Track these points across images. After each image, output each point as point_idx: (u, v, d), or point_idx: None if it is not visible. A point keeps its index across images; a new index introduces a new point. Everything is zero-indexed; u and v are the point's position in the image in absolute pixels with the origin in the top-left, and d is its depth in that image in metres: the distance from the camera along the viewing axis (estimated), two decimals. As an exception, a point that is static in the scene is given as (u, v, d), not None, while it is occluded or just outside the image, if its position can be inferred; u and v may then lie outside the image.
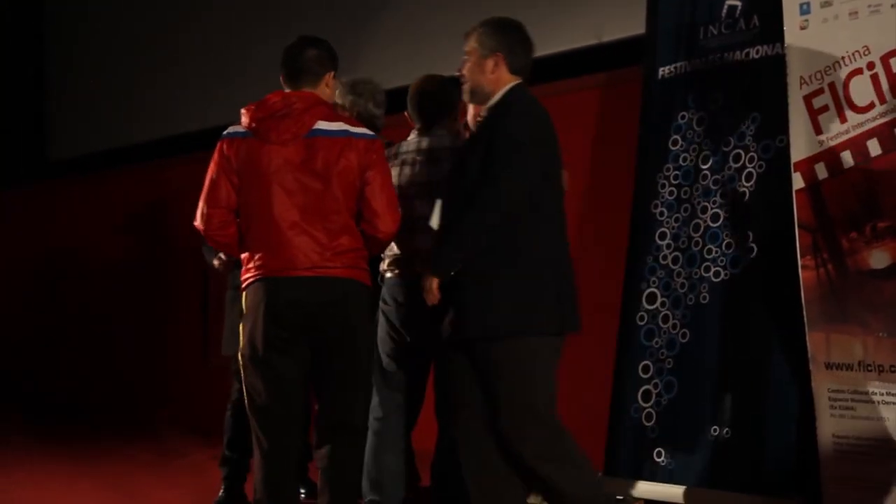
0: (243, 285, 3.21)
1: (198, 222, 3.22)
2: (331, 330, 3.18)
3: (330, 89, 3.32)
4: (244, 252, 3.20)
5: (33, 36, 8.88)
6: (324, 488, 3.27)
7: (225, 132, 3.22)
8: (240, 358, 3.26)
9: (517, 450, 3.13)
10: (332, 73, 3.31)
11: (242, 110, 3.21)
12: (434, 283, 3.15)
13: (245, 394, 3.27)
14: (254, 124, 3.14)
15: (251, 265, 3.17)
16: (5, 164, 8.88)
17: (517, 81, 3.26)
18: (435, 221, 3.35)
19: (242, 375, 3.26)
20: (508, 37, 3.26)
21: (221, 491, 4.30)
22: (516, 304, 3.09)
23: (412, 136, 3.76)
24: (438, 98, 3.73)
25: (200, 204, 3.21)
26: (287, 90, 3.25)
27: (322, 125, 3.13)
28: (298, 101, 3.15)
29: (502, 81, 3.23)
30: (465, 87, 3.32)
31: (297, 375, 3.21)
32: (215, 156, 3.19)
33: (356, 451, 3.36)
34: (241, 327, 3.25)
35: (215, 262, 4.19)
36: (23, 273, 8.85)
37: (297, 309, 3.12)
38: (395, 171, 3.61)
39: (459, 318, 3.15)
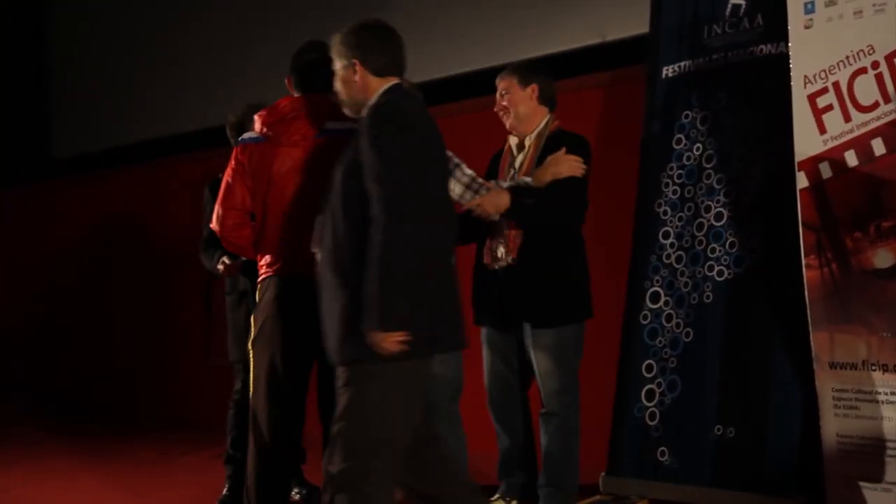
0: (259, 280, 3.28)
1: (214, 224, 3.32)
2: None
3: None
4: (260, 252, 3.28)
5: (35, 35, 8.87)
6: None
7: (240, 138, 3.32)
8: (250, 347, 3.32)
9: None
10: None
11: (255, 116, 3.31)
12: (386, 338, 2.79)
13: (252, 385, 3.30)
14: (265, 129, 3.24)
15: (265, 263, 3.23)
16: (7, 163, 8.88)
17: (390, 83, 3.07)
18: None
19: (251, 365, 3.31)
20: (362, 40, 3.10)
21: (226, 489, 4.31)
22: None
23: None
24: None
25: (216, 207, 3.30)
26: (297, 94, 3.32)
27: (331, 125, 3.23)
28: (307, 103, 3.26)
29: (371, 87, 3.07)
30: (342, 103, 3.16)
31: (303, 373, 3.26)
32: (231, 161, 3.28)
33: None
34: (253, 319, 3.31)
35: (220, 267, 4.18)
36: (24, 272, 8.85)
37: (307, 307, 3.12)
38: None
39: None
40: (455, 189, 3.68)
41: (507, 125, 3.96)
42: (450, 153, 3.63)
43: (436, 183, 2.96)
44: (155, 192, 7.63)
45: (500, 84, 3.97)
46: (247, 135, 3.30)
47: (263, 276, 3.25)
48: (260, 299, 3.27)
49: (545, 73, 4.01)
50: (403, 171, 2.83)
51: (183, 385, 7.15)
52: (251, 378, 3.32)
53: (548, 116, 3.97)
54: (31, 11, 8.85)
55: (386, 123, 2.90)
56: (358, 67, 3.05)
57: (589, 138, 4.30)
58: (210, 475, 5.12)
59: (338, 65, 3.10)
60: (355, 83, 3.05)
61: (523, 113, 3.92)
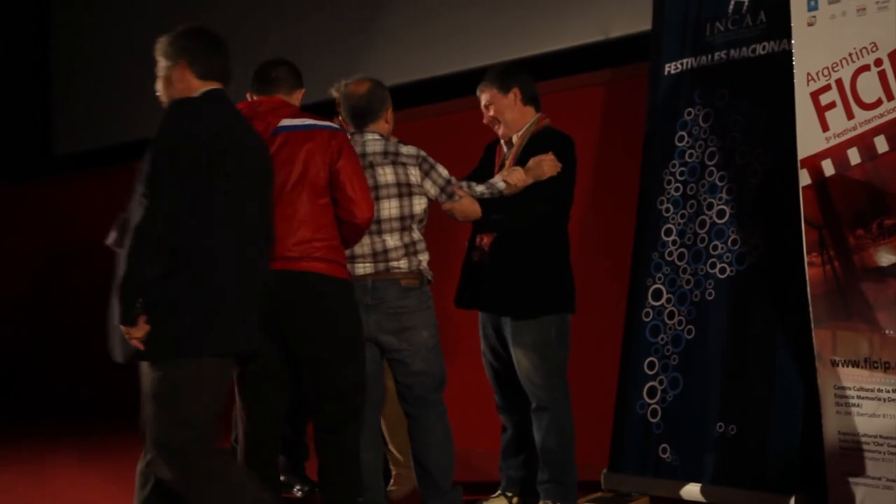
0: None
1: None
2: (297, 321, 3.25)
3: (295, 99, 3.55)
4: None
5: (38, 30, 8.87)
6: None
7: None
8: None
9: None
10: (302, 91, 3.60)
11: None
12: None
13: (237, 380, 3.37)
14: None
15: None
16: (10, 158, 8.89)
17: (210, 88, 3.10)
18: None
19: None
20: (191, 43, 3.13)
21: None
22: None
23: (364, 138, 3.72)
24: (367, 102, 3.70)
25: None
26: (254, 98, 3.48)
27: (286, 122, 3.33)
28: (263, 104, 3.39)
29: (192, 88, 3.09)
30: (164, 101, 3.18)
31: (277, 367, 3.32)
32: None
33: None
34: None
35: None
36: (27, 267, 8.86)
37: (270, 300, 3.15)
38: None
39: None
40: (430, 190, 3.68)
41: (500, 134, 3.95)
42: (423, 154, 3.70)
43: (214, 189, 2.91)
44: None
45: (482, 96, 3.95)
46: None
47: None
48: None
49: (522, 73, 3.98)
50: (164, 173, 2.85)
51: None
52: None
53: (535, 116, 3.94)
54: (35, 5, 8.86)
55: (166, 124, 2.96)
56: (185, 68, 3.11)
57: (591, 135, 4.31)
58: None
59: (160, 63, 3.15)
60: (178, 84, 3.12)
61: (511, 119, 3.91)
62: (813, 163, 3.65)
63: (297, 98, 3.56)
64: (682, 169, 4.26)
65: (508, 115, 3.90)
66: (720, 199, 4.11)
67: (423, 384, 3.66)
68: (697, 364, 4.06)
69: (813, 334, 3.62)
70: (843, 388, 3.55)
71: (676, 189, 4.26)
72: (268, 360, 3.25)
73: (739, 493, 3.81)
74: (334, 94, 4.18)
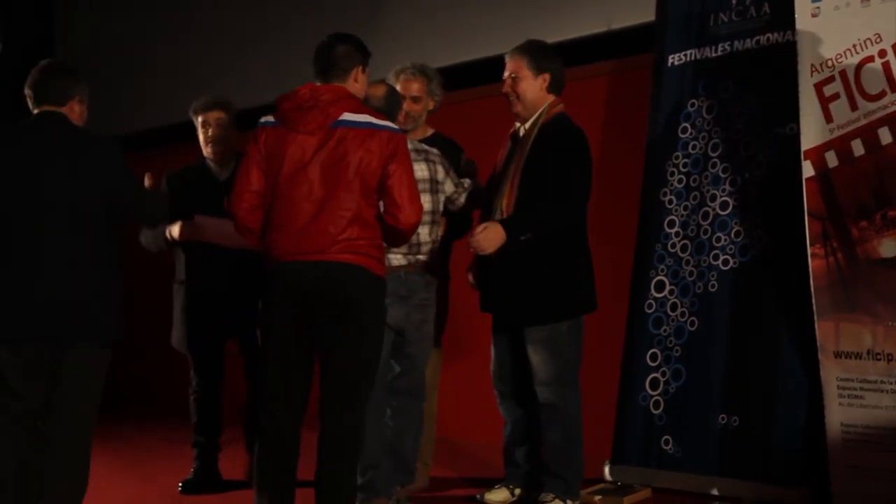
0: (268, 266, 3.31)
1: (229, 205, 3.32)
2: (333, 314, 3.23)
3: (359, 84, 3.39)
4: (266, 236, 3.30)
5: (42, 23, 8.87)
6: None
7: (259, 121, 3.34)
8: (258, 333, 3.47)
9: None
10: (361, 67, 3.38)
11: (277, 101, 3.32)
12: None
13: (260, 369, 3.38)
14: (283, 114, 3.27)
15: (271, 247, 3.27)
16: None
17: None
18: None
19: (261, 348, 3.38)
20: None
21: (192, 470, 4.39)
22: None
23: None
24: (387, 104, 3.70)
25: (235, 188, 3.32)
26: (318, 83, 3.34)
27: (347, 116, 3.23)
28: (326, 93, 3.26)
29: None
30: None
31: (307, 355, 3.29)
32: (250, 143, 3.32)
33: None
34: (261, 304, 3.38)
35: (172, 234, 4.28)
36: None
37: (307, 292, 3.20)
38: None
39: None
40: (448, 188, 3.86)
41: (513, 110, 3.83)
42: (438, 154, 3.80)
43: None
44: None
45: (511, 65, 3.81)
46: (265, 118, 3.32)
47: (270, 261, 3.28)
48: (268, 285, 3.31)
49: (558, 60, 3.86)
50: None
51: (188, 372, 7.15)
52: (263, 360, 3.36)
53: (548, 103, 3.82)
54: (32, 7, 8.85)
55: None
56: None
57: (594, 127, 4.27)
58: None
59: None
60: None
61: (531, 101, 3.80)
62: (816, 154, 3.64)
63: (355, 77, 3.37)
64: (686, 160, 4.25)
65: (530, 96, 3.79)
66: (723, 190, 4.10)
67: (420, 374, 3.81)
68: (700, 356, 4.05)
69: (816, 326, 3.62)
70: (846, 379, 3.55)
71: (679, 181, 4.26)
72: (310, 345, 3.27)
73: (742, 485, 3.82)
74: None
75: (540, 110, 3.81)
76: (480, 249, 3.64)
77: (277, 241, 3.23)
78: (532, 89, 3.79)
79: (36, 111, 3.27)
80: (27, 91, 3.32)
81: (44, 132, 3.21)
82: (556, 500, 3.76)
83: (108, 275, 3.21)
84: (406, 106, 3.94)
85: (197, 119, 4.34)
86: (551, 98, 3.84)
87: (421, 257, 3.74)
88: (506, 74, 3.83)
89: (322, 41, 3.37)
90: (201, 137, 4.34)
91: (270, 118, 3.30)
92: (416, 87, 4.05)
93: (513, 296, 3.76)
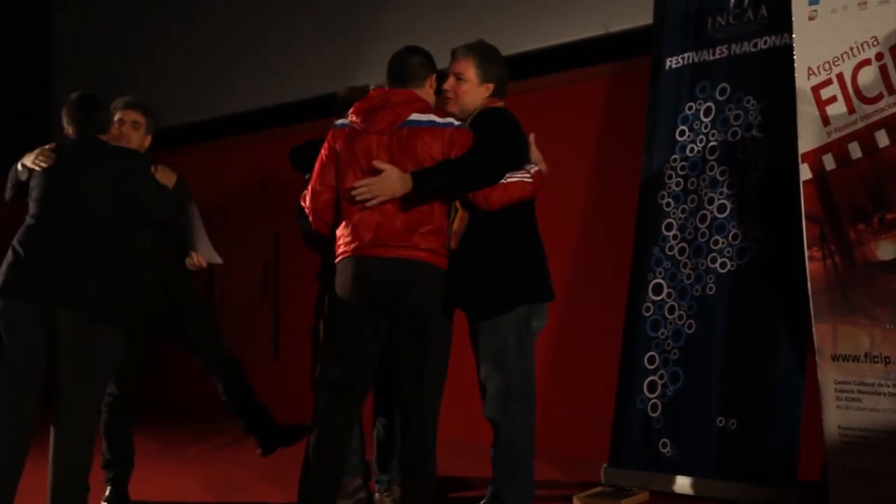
0: (337, 259, 3.46)
1: (307, 200, 3.53)
2: (401, 308, 3.35)
3: (432, 90, 3.57)
4: (338, 231, 3.46)
5: (41, 19, 8.87)
6: None
7: (334, 124, 3.52)
8: (321, 325, 3.60)
9: None
10: (435, 76, 3.56)
11: (354, 106, 3.52)
12: None
13: (321, 360, 3.51)
14: (356, 116, 3.46)
15: (341, 242, 3.42)
16: (14, 148, 8.88)
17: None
18: None
19: (322, 341, 3.56)
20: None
21: (108, 491, 4.24)
22: None
23: None
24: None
25: (310, 185, 3.51)
26: (388, 87, 3.53)
27: (415, 116, 3.39)
28: (396, 95, 3.46)
29: None
30: None
31: (372, 348, 3.42)
32: (325, 144, 3.51)
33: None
34: (326, 298, 3.57)
35: None
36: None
37: (374, 285, 3.34)
38: None
39: None
40: None
41: (447, 108, 3.60)
42: None
43: None
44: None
45: (460, 65, 3.61)
46: (339, 121, 3.52)
47: (339, 256, 3.42)
48: (336, 279, 3.44)
49: (504, 69, 3.66)
50: None
51: (193, 375, 7.15)
52: (321, 355, 3.54)
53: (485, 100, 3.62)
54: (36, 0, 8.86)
55: None
56: None
57: (592, 130, 4.25)
58: (215, 465, 5.15)
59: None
60: None
61: (469, 104, 3.60)
62: (814, 157, 3.64)
63: (430, 84, 3.55)
64: (683, 163, 4.26)
65: (469, 101, 3.59)
66: (721, 193, 4.10)
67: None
68: (698, 358, 4.05)
69: (813, 329, 3.62)
70: (844, 382, 3.55)
71: (677, 184, 4.26)
72: (376, 338, 3.39)
73: (740, 488, 3.81)
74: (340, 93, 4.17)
75: (476, 107, 3.61)
76: (368, 195, 3.34)
77: (349, 235, 3.39)
78: (472, 95, 3.61)
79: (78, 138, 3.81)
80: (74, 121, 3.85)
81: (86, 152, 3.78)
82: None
83: (116, 262, 3.60)
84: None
85: (115, 115, 4.31)
86: (492, 100, 3.63)
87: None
88: (452, 72, 3.63)
89: (397, 52, 3.54)
90: (114, 132, 4.23)
91: (343, 120, 3.49)
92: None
93: (461, 285, 3.47)
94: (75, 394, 3.55)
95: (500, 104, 3.65)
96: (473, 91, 3.61)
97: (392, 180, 3.31)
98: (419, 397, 3.36)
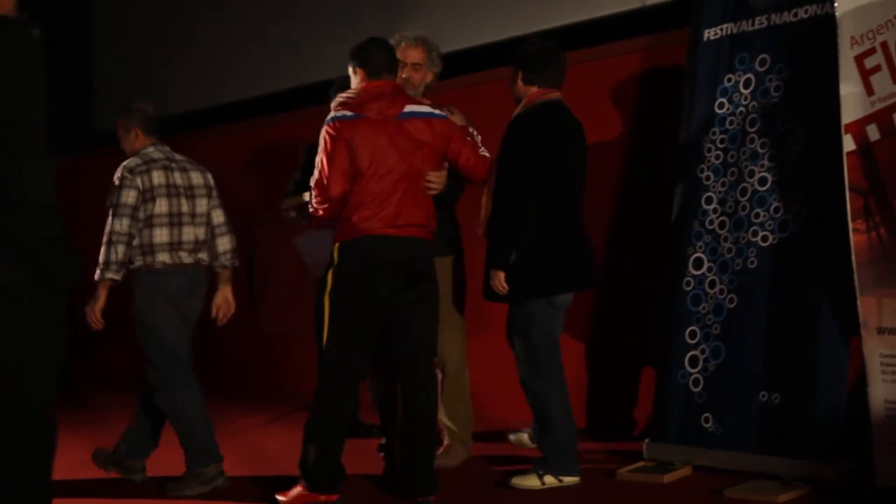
0: (341, 240, 3.71)
1: (321, 189, 3.69)
2: (412, 280, 3.67)
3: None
4: (346, 212, 3.69)
5: (82, 4, 8.94)
6: None
7: (336, 115, 3.70)
8: (326, 300, 3.73)
9: None
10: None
11: (340, 96, 3.77)
12: None
13: (332, 329, 3.69)
14: (355, 107, 3.68)
15: (352, 223, 3.66)
16: (54, 133, 8.96)
17: None
18: None
19: (326, 315, 3.70)
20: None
21: None
22: None
23: None
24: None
25: (327, 174, 3.67)
26: (373, 81, 3.75)
27: (411, 108, 3.73)
28: (388, 86, 3.74)
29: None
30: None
31: (378, 320, 3.68)
32: (326, 137, 3.69)
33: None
34: (330, 276, 3.73)
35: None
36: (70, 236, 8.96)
37: (389, 262, 3.64)
38: None
39: None
40: None
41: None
42: None
43: None
44: (200, 162, 7.66)
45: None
46: (337, 112, 3.70)
47: (350, 234, 3.66)
48: (341, 257, 3.69)
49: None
50: None
51: (230, 352, 7.22)
52: (325, 327, 3.70)
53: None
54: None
55: None
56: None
57: (629, 104, 4.22)
58: (253, 440, 5.19)
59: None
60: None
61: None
62: (857, 128, 3.59)
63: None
64: (723, 136, 4.21)
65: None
66: (762, 166, 4.06)
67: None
68: (739, 333, 4.03)
69: (858, 302, 3.58)
70: (890, 355, 3.51)
71: (717, 157, 4.22)
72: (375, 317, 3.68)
73: (783, 462, 3.79)
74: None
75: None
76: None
77: (359, 216, 3.64)
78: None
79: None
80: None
81: None
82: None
83: None
84: (406, 73, 4.11)
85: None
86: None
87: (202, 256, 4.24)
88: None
89: (374, 42, 3.80)
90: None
91: (346, 112, 3.67)
92: (416, 55, 4.19)
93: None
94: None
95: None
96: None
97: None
98: (422, 362, 3.72)
